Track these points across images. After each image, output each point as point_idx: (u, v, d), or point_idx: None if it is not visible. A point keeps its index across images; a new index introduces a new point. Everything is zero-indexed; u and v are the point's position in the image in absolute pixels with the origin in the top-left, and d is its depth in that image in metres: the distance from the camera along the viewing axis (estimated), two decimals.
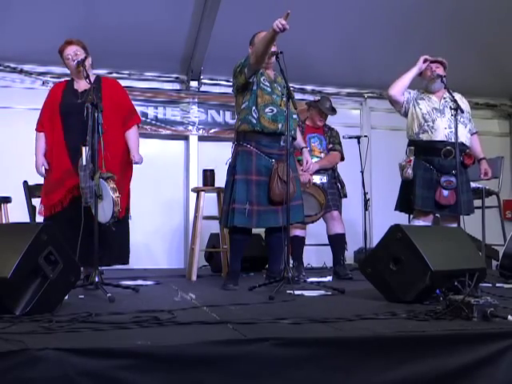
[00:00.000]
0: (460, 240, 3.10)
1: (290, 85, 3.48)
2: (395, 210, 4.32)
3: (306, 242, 4.73)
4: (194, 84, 6.35)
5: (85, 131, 3.51)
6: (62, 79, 4.02)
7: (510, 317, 2.05)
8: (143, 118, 6.14)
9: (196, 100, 6.36)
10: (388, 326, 2.05)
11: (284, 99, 3.41)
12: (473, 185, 4.47)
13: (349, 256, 5.46)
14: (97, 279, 3.05)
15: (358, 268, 3.36)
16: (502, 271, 4.02)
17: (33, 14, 5.25)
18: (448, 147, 3.96)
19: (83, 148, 3.42)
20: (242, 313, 2.43)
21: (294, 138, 3.76)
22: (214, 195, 4.77)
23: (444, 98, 4.12)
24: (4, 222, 4.48)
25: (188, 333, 1.93)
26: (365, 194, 5.47)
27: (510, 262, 3.96)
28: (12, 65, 5.91)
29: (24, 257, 2.19)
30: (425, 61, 4.13)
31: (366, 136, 5.65)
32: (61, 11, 5.26)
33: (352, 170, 5.33)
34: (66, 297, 2.58)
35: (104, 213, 3.29)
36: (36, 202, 4.50)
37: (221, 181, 4.63)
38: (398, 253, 2.78)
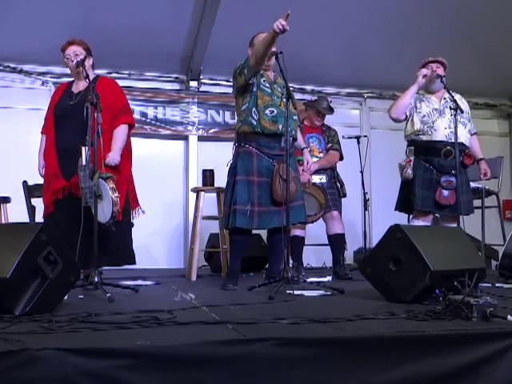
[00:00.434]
0: (460, 240, 3.10)
1: (290, 85, 3.48)
2: (395, 210, 4.32)
3: (306, 242, 4.73)
4: (193, 84, 6.36)
5: (76, 133, 3.54)
6: (62, 79, 4.03)
7: (509, 317, 2.05)
8: (143, 118, 6.16)
9: (196, 100, 6.37)
10: (388, 326, 2.05)
11: (284, 100, 3.41)
12: (472, 185, 4.47)
13: (348, 256, 5.47)
14: (96, 279, 3.05)
15: (358, 268, 3.37)
16: (501, 271, 4.02)
17: (33, 13, 5.25)
18: (448, 147, 3.96)
19: (83, 148, 3.42)
20: (242, 313, 2.43)
21: (295, 139, 3.76)
22: (214, 195, 4.77)
23: (444, 99, 4.12)
24: (3, 221, 4.48)
25: (188, 333, 1.93)
26: (364, 194, 5.47)
27: (509, 261, 3.96)
28: (12, 65, 5.91)
29: (23, 257, 2.19)
30: (423, 76, 4.07)
31: (365, 136, 5.65)
32: (61, 11, 5.26)
33: (352, 170, 5.33)
34: (66, 297, 2.58)
35: (103, 213, 3.29)
36: (35, 201, 4.52)
37: (220, 181, 4.64)
38: (397, 253, 2.78)
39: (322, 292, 3.27)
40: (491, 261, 5.58)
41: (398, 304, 2.66)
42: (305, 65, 5.88)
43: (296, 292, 3.09)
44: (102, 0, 5.29)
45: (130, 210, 3.74)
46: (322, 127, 4.82)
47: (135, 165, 5.75)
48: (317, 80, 6.61)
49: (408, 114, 4.14)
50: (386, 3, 5.60)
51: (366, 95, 6.97)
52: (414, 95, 4.16)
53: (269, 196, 3.54)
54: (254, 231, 3.77)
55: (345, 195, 4.81)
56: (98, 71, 5.95)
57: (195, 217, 4.58)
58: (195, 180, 6.03)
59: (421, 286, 2.68)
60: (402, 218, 4.57)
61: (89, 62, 3.63)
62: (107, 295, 2.83)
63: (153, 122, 6.21)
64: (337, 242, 4.64)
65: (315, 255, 5.86)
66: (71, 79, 3.85)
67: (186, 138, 6.41)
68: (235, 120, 6.01)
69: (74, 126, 3.54)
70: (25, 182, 4.60)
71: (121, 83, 6.14)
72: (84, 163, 3.24)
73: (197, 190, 4.65)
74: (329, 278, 4.20)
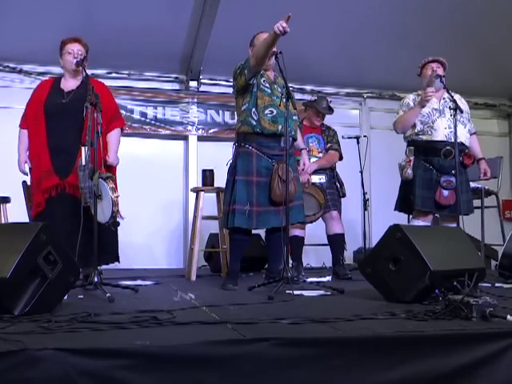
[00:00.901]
0: (459, 240, 3.10)
1: (289, 85, 3.48)
2: (395, 210, 4.32)
3: (306, 242, 4.73)
4: (193, 84, 6.35)
5: (70, 132, 3.54)
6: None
7: (509, 317, 2.05)
8: (142, 118, 6.16)
9: (195, 100, 6.36)
10: (387, 325, 2.05)
11: (284, 100, 3.40)
12: (472, 185, 4.47)
13: (348, 256, 5.47)
14: (96, 279, 3.05)
15: (358, 268, 3.36)
16: (501, 271, 4.02)
17: (32, 14, 5.25)
18: (448, 147, 3.97)
19: (82, 148, 3.42)
20: (242, 313, 2.43)
21: (295, 139, 3.77)
22: (214, 195, 4.77)
23: (443, 99, 4.12)
24: (3, 221, 4.48)
25: (187, 333, 1.93)
26: (364, 194, 5.47)
27: (509, 261, 3.96)
28: (11, 65, 5.91)
29: (23, 257, 2.19)
30: (425, 97, 3.99)
31: (365, 136, 5.66)
32: (60, 11, 5.26)
33: (351, 170, 5.33)
34: (66, 297, 2.58)
35: (103, 213, 3.28)
36: None
37: (220, 181, 4.63)
38: (397, 253, 2.78)
39: (321, 292, 3.27)
40: (491, 261, 5.59)
41: (398, 304, 2.65)
42: (304, 65, 5.88)
43: (296, 292, 3.09)
44: (102, 0, 5.29)
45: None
46: (322, 127, 4.82)
47: (135, 165, 5.75)
48: (316, 80, 6.61)
49: None
50: (385, 3, 5.61)
51: (365, 95, 6.97)
52: (414, 96, 4.17)
53: (267, 196, 3.55)
54: (253, 231, 3.78)
55: (344, 195, 4.81)
56: (98, 71, 5.99)
57: (195, 217, 4.58)
58: (195, 180, 6.02)
59: (420, 286, 2.68)
60: (401, 218, 4.57)
61: (86, 63, 3.62)
62: (107, 295, 2.83)
63: (152, 122, 6.21)
64: (336, 242, 4.64)
65: (315, 255, 5.86)
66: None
67: (185, 138, 6.41)
68: (235, 120, 6.01)
69: (66, 124, 3.53)
70: (24, 182, 4.59)
71: (120, 83, 6.22)
72: (83, 163, 3.24)
73: (196, 190, 4.65)
74: (328, 278, 4.20)
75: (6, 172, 5.25)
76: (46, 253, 2.31)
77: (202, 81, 6.40)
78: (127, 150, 6.00)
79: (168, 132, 6.27)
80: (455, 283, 2.62)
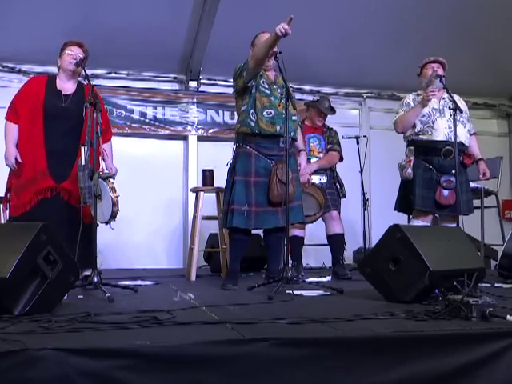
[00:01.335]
0: (459, 240, 3.11)
1: (289, 85, 3.48)
2: (394, 210, 4.32)
3: (305, 242, 4.73)
4: (192, 84, 6.35)
5: (67, 136, 3.55)
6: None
7: (508, 317, 2.05)
8: (142, 118, 6.17)
9: (195, 100, 6.36)
10: (387, 325, 2.05)
11: (283, 101, 3.41)
12: (472, 185, 4.47)
13: (348, 256, 5.47)
14: (96, 279, 3.05)
15: (357, 268, 3.36)
16: (500, 271, 4.02)
17: (31, 14, 5.24)
18: (448, 147, 3.96)
19: (82, 148, 3.42)
20: (241, 313, 2.43)
21: (294, 139, 3.76)
22: (213, 195, 4.77)
23: (443, 99, 4.12)
24: (3, 221, 4.47)
25: (187, 333, 1.93)
26: (364, 194, 5.47)
27: (508, 261, 3.96)
28: (10, 65, 5.90)
29: (23, 257, 2.19)
30: (427, 96, 3.99)
31: (365, 136, 5.66)
32: (59, 11, 5.26)
33: (351, 170, 5.33)
34: (65, 297, 2.58)
35: (103, 213, 3.29)
36: None
37: (220, 181, 4.63)
38: (397, 253, 2.78)
39: (321, 292, 3.27)
40: (490, 261, 5.58)
41: (398, 304, 2.66)
42: (303, 64, 5.88)
43: (295, 292, 3.08)
44: (101, 0, 5.29)
45: None
46: (323, 128, 4.82)
47: (134, 165, 5.75)
48: (315, 80, 6.61)
49: None
50: (384, 3, 5.61)
51: (365, 95, 6.97)
52: (414, 96, 4.18)
53: (266, 196, 3.55)
54: (253, 231, 3.79)
55: (344, 196, 4.81)
56: (98, 71, 5.99)
57: (195, 217, 4.59)
58: (195, 180, 6.03)
59: (420, 286, 2.68)
60: (401, 218, 4.57)
61: (85, 64, 3.62)
62: (107, 295, 2.83)
63: (152, 122, 6.21)
64: (336, 242, 4.64)
65: (315, 255, 5.86)
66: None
67: (185, 138, 6.41)
68: (234, 120, 6.01)
69: (65, 128, 3.55)
70: None
71: (120, 83, 6.23)
72: (83, 163, 3.24)
73: (196, 190, 4.65)
74: (328, 278, 4.20)
75: (6, 172, 5.27)
76: (46, 253, 2.31)
77: (202, 81, 6.40)
78: (127, 150, 6.05)
79: (167, 132, 6.27)
80: (455, 283, 2.62)
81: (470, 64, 6.25)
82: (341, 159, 4.81)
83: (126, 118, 6.12)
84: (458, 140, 3.87)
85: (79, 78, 3.74)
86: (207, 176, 4.68)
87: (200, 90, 6.41)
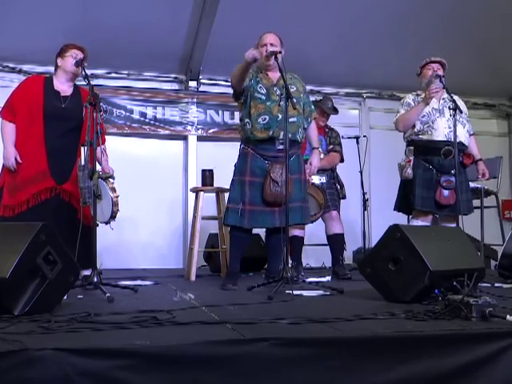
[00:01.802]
0: (459, 240, 3.11)
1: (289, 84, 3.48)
2: (394, 210, 4.32)
3: (305, 242, 4.73)
4: (192, 84, 6.36)
5: (67, 138, 3.55)
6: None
7: (508, 317, 2.05)
8: (142, 118, 6.17)
9: (195, 100, 6.36)
10: (387, 326, 2.05)
11: (282, 102, 3.40)
12: (472, 185, 4.47)
13: (348, 256, 5.47)
14: (95, 279, 3.05)
15: (357, 268, 3.36)
16: (500, 271, 4.02)
17: (32, 14, 5.24)
18: (448, 147, 3.96)
19: (82, 148, 3.42)
20: (241, 313, 2.43)
21: (294, 141, 3.63)
22: (213, 195, 4.77)
23: (443, 99, 4.12)
24: None
25: (187, 333, 1.93)
26: (364, 194, 5.47)
27: (508, 261, 3.97)
28: (11, 65, 5.91)
29: (23, 257, 2.19)
30: (430, 93, 3.98)
31: (364, 136, 5.66)
32: (60, 11, 5.26)
33: (351, 170, 5.33)
34: (65, 297, 2.58)
35: (103, 213, 3.29)
36: None
37: (220, 181, 4.64)
38: (396, 253, 2.78)
39: (321, 292, 3.27)
40: (490, 261, 5.58)
41: (398, 304, 2.65)
42: (303, 64, 5.85)
43: (295, 292, 3.08)
44: (101, 0, 5.29)
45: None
46: (325, 128, 4.81)
47: (134, 165, 5.75)
48: (315, 80, 6.60)
49: None
50: (384, 3, 5.60)
51: (364, 95, 6.97)
52: (414, 97, 4.18)
53: (261, 196, 3.56)
54: (254, 231, 3.79)
55: (344, 197, 4.81)
56: (97, 71, 5.99)
57: (194, 217, 4.58)
58: (194, 180, 6.03)
59: (420, 286, 2.68)
60: (401, 218, 4.57)
61: (85, 63, 3.61)
62: (106, 295, 2.83)
63: (152, 122, 6.21)
64: (336, 242, 4.64)
65: (314, 255, 5.86)
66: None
67: (185, 138, 6.41)
68: (234, 120, 5.98)
69: (64, 129, 3.55)
70: None
71: (120, 83, 6.23)
72: (83, 163, 3.24)
73: (196, 190, 4.65)
74: (328, 278, 4.20)
75: None
76: (46, 253, 2.31)
77: (202, 81, 6.40)
78: (126, 150, 6.05)
79: (167, 132, 6.27)
80: (455, 283, 2.62)
81: (469, 64, 6.25)
82: (341, 160, 4.81)
83: (125, 117, 6.12)
84: (457, 140, 3.87)
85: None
86: (207, 176, 4.68)
87: (200, 89, 6.41)
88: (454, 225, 4.01)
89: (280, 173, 3.48)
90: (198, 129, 6.34)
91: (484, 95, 7.18)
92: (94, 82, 3.96)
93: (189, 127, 6.32)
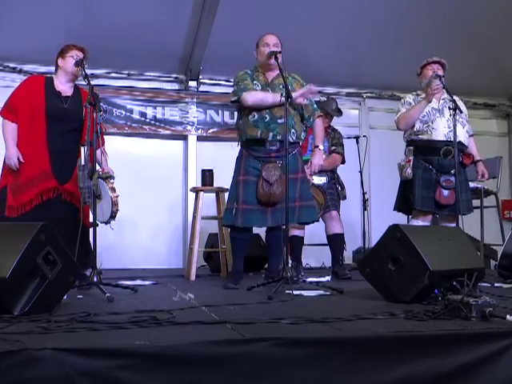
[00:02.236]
0: (459, 240, 3.11)
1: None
2: (394, 210, 4.31)
3: (305, 242, 4.73)
4: (192, 84, 6.35)
5: (69, 138, 3.55)
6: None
7: (508, 316, 2.05)
8: (142, 118, 6.18)
9: (195, 100, 6.36)
10: (387, 325, 2.05)
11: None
12: (471, 185, 4.47)
13: (347, 256, 5.47)
14: (95, 279, 3.05)
15: (357, 268, 3.36)
16: (500, 271, 4.02)
17: (33, 14, 5.24)
18: (447, 147, 3.96)
19: (82, 148, 3.42)
20: (241, 313, 2.43)
21: (293, 141, 3.64)
22: (213, 195, 4.77)
23: (443, 99, 4.12)
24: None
25: (187, 333, 1.93)
26: (363, 193, 5.47)
27: (508, 261, 3.97)
28: (12, 65, 5.91)
29: (22, 257, 2.19)
30: (432, 91, 3.97)
31: (364, 136, 5.65)
32: (60, 11, 5.26)
33: (351, 169, 5.33)
34: (65, 297, 2.58)
35: (103, 213, 3.28)
36: None
37: (220, 181, 4.64)
38: (396, 253, 2.78)
39: (321, 292, 3.27)
40: (490, 261, 5.58)
41: (397, 304, 2.66)
42: (304, 65, 5.83)
43: (295, 292, 3.08)
44: (102, 0, 5.29)
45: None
46: (328, 129, 4.80)
47: (134, 165, 5.75)
48: (316, 80, 6.49)
49: None
50: (384, 3, 5.60)
51: (365, 95, 6.97)
52: (414, 96, 4.18)
53: (255, 195, 3.56)
54: (254, 231, 3.80)
55: (345, 198, 4.81)
56: (98, 71, 5.99)
57: (194, 217, 4.59)
58: (194, 180, 6.03)
59: (420, 286, 2.68)
60: (401, 218, 4.57)
61: (85, 63, 3.61)
62: (106, 295, 2.83)
63: (152, 121, 6.21)
64: (336, 242, 4.64)
65: (314, 255, 5.85)
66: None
67: (185, 138, 6.41)
68: (234, 120, 6.00)
69: (66, 129, 3.55)
70: None
71: (120, 83, 6.23)
72: (83, 163, 3.24)
73: (196, 190, 4.65)
74: (328, 278, 4.20)
75: None
76: (46, 253, 2.31)
77: (202, 81, 6.40)
78: (126, 150, 6.05)
79: (167, 132, 6.27)
80: (454, 283, 2.62)
81: (469, 64, 6.25)
82: (343, 162, 4.81)
83: (125, 117, 6.13)
84: (457, 140, 3.87)
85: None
86: (207, 176, 4.68)
87: (200, 89, 6.41)
88: (453, 225, 4.00)
89: (272, 172, 3.50)
90: (197, 129, 6.34)
91: (484, 95, 7.18)
92: (94, 81, 3.96)
93: (189, 127, 6.32)
